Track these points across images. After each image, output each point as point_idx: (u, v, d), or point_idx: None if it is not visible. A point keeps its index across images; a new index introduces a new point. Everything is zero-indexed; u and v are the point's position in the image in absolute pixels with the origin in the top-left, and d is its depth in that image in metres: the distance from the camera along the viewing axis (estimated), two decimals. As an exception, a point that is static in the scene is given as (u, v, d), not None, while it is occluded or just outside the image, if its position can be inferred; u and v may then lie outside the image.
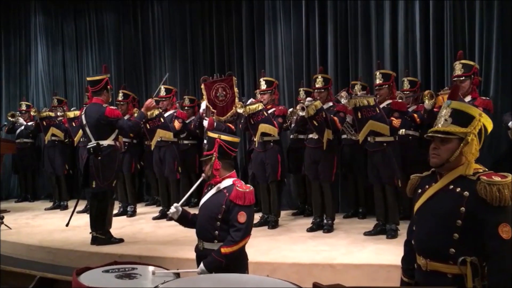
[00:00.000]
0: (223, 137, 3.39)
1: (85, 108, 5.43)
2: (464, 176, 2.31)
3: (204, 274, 3.09)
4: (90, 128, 5.26)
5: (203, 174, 3.42)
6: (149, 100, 5.63)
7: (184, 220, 3.46)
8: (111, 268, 3.22)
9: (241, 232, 3.13)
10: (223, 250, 3.09)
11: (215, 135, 3.39)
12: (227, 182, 3.31)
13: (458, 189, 2.28)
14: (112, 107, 5.42)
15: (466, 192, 2.24)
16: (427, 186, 2.45)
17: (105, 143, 5.25)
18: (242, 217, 3.15)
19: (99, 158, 5.19)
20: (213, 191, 3.34)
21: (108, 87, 5.35)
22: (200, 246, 3.29)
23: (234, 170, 3.50)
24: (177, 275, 3.09)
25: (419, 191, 2.51)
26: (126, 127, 5.36)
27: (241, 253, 3.31)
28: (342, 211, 6.71)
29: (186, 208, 7.70)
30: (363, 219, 6.41)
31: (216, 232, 3.18)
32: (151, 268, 3.11)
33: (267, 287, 2.63)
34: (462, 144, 2.31)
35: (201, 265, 3.12)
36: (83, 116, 5.32)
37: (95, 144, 5.22)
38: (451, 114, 2.38)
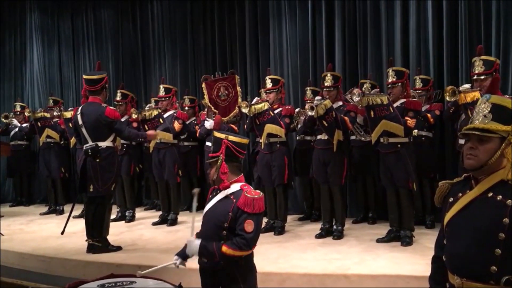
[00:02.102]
0: (231, 137, 3.07)
1: (81, 107, 5.11)
2: (505, 182, 1.99)
3: None
4: (87, 129, 4.95)
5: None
6: (154, 135, 5.66)
7: None
8: (107, 282, 2.96)
9: (247, 242, 2.83)
10: (224, 248, 2.79)
11: (222, 135, 3.08)
12: (234, 187, 3.00)
13: (500, 197, 1.96)
14: (111, 107, 5.14)
15: (509, 201, 1.93)
16: (460, 194, 2.12)
17: (103, 144, 4.96)
18: (249, 226, 2.84)
19: (98, 160, 4.88)
20: (219, 196, 3.03)
21: (106, 85, 5.06)
22: (203, 258, 2.98)
23: (242, 174, 3.20)
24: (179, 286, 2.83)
25: (450, 200, 2.17)
26: (124, 131, 5.15)
27: (250, 264, 3.02)
28: (351, 216, 6.40)
29: (187, 213, 7.47)
30: (373, 224, 6.13)
31: (222, 242, 2.88)
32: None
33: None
34: (504, 145, 2.00)
35: (196, 242, 2.85)
36: (79, 116, 5.01)
37: (93, 146, 4.92)
38: (491, 109, 2.05)
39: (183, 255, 3.05)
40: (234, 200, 2.91)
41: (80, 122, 4.98)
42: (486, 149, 2.00)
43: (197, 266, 3.05)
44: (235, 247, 2.79)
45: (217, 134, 3.17)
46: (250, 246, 2.85)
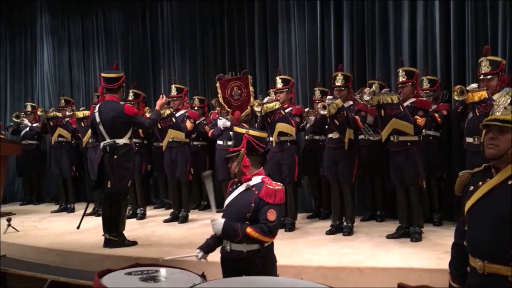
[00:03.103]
0: (251, 132, 3.24)
1: (98, 105, 5.23)
2: None
3: (235, 278, 2.89)
4: (105, 126, 5.06)
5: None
6: (164, 99, 5.55)
7: (213, 248, 3.23)
8: (133, 270, 3.04)
9: (269, 229, 2.98)
10: (249, 230, 2.95)
11: (242, 130, 3.23)
12: (255, 180, 3.16)
13: None
14: (129, 104, 5.26)
15: None
16: (480, 183, 2.26)
17: (121, 141, 5.07)
18: (272, 215, 3.00)
19: (115, 157, 4.99)
20: (240, 189, 3.17)
21: (124, 84, 5.19)
22: (226, 248, 3.10)
23: (262, 168, 3.33)
24: (204, 277, 2.92)
25: (471, 188, 2.31)
26: (145, 122, 5.23)
27: (271, 254, 3.17)
28: (359, 214, 6.47)
29: (196, 211, 7.58)
30: (381, 222, 6.22)
31: (247, 223, 3.01)
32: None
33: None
34: None
35: (221, 221, 3.01)
36: (96, 114, 5.12)
37: (111, 142, 5.02)
38: (511, 102, 2.21)
39: (206, 249, 3.18)
40: (256, 192, 3.05)
41: (98, 119, 5.09)
42: (506, 139, 2.14)
43: (218, 259, 3.16)
44: (260, 231, 2.94)
45: (237, 129, 3.31)
46: (272, 233, 2.99)
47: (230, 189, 3.28)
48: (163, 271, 3.04)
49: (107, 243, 5.10)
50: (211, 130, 6.84)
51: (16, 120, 8.57)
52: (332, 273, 4.12)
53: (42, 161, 8.86)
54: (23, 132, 8.60)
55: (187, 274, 2.99)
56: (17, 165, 9.20)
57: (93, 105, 6.43)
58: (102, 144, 5.09)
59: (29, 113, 8.70)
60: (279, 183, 3.15)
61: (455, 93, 4.68)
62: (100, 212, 7.16)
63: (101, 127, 5.08)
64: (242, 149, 3.15)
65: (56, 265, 4.99)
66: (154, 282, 2.86)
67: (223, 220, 3.02)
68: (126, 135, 5.11)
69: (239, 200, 3.12)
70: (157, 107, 5.45)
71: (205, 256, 3.18)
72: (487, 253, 2.12)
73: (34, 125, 8.57)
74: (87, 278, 4.03)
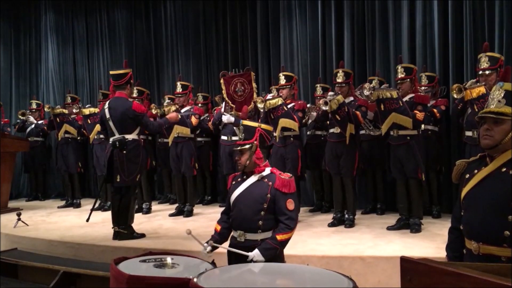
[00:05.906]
0: (263, 126, 3.42)
1: (108, 102, 5.38)
2: None
3: (245, 263, 3.03)
4: (114, 122, 5.19)
5: None
6: (175, 115, 5.78)
7: (220, 243, 3.30)
8: (147, 258, 3.20)
9: (294, 220, 3.15)
10: (279, 237, 3.09)
11: (255, 124, 3.41)
12: (266, 171, 3.30)
13: None
14: (137, 102, 5.39)
15: None
16: (476, 171, 2.42)
17: (130, 137, 5.20)
18: (291, 205, 3.17)
19: (124, 152, 5.14)
20: (251, 180, 3.28)
21: (131, 81, 5.32)
22: (240, 238, 3.22)
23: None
24: (214, 264, 3.07)
25: (467, 176, 2.47)
26: (150, 124, 5.37)
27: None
28: (360, 207, 6.61)
29: (200, 206, 7.74)
30: (381, 215, 6.37)
31: (260, 222, 3.16)
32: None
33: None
34: None
35: (256, 251, 3.06)
36: (106, 110, 5.26)
37: (120, 138, 5.16)
38: (504, 95, 2.37)
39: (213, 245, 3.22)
40: (270, 183, 3.19)
41: (108, 115, 5.22)
42: (500, 130, 2.30)
43: (225, 250, 3.29)
44: (287, 230, 3.10)
45: (248, 123, 3.47)
46: (296, 222, 3.17)
47: (234, 182, 3.38)
48: (175, 258, 3.19)
49: (116, 236, 5.24)
50: (212, 117, 7.03)
51: (21, 118, 8.71)
52: (335, 262, 4.27)
53: (47, 157, 9.02)
54: (28, 129, 8.74)
55: (199, 261, 3.15)
56: (23, 161, 9.36)
57: (102, 102, 6.54)
58: (111, 139, 5.23)
59: (34, 110, 8.85)
60: (288, 173, 3.31)
61: (454, 91, 4.80)
62: (106, 207, 7.35)
63: (110, 123, 5.22)
64: (255, 141, 3.30)
65: (68, 257, 5.12)
66: (167, 269, 3.02)
67: (256, 250, 3.06)
68: (135, 131, 5.26)
69: (252, 192, 3.23)
70: (168, 118, 5.69)
71: (211, 251, 3.21)
72: (481, 235, 2.28)
73: (39, 122, 8.72)
74: (98, 269, 4.15)
